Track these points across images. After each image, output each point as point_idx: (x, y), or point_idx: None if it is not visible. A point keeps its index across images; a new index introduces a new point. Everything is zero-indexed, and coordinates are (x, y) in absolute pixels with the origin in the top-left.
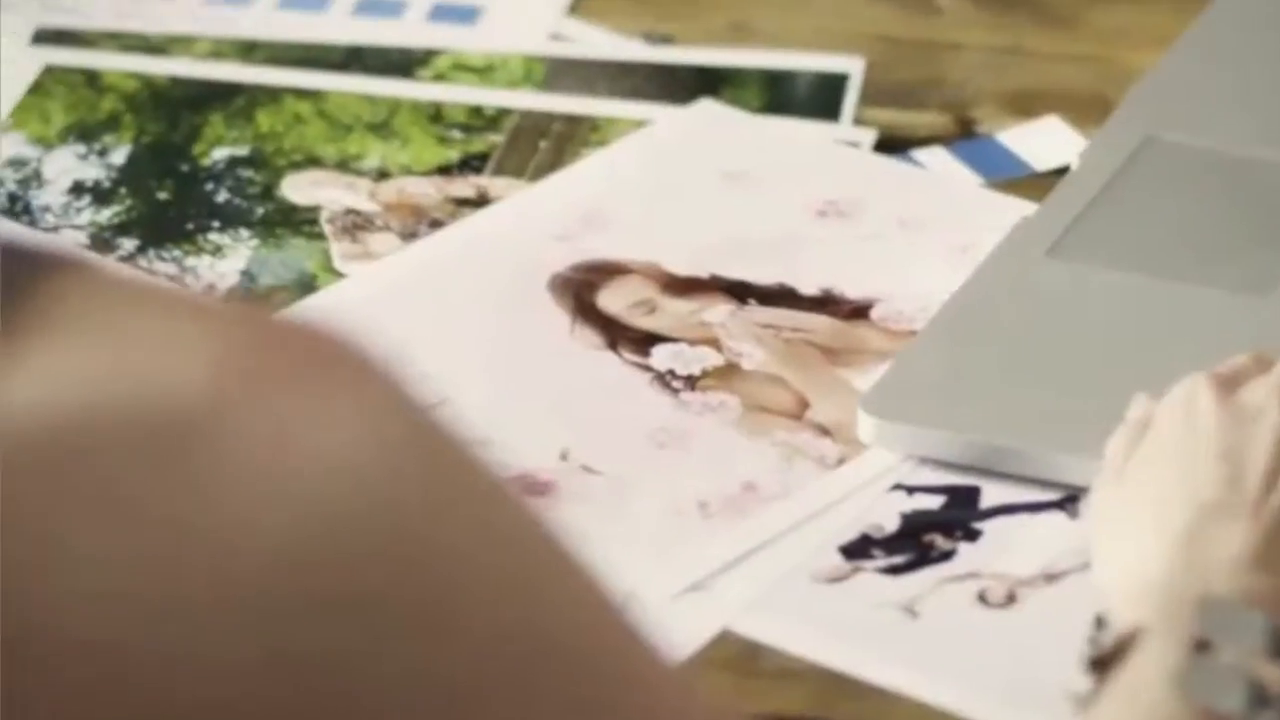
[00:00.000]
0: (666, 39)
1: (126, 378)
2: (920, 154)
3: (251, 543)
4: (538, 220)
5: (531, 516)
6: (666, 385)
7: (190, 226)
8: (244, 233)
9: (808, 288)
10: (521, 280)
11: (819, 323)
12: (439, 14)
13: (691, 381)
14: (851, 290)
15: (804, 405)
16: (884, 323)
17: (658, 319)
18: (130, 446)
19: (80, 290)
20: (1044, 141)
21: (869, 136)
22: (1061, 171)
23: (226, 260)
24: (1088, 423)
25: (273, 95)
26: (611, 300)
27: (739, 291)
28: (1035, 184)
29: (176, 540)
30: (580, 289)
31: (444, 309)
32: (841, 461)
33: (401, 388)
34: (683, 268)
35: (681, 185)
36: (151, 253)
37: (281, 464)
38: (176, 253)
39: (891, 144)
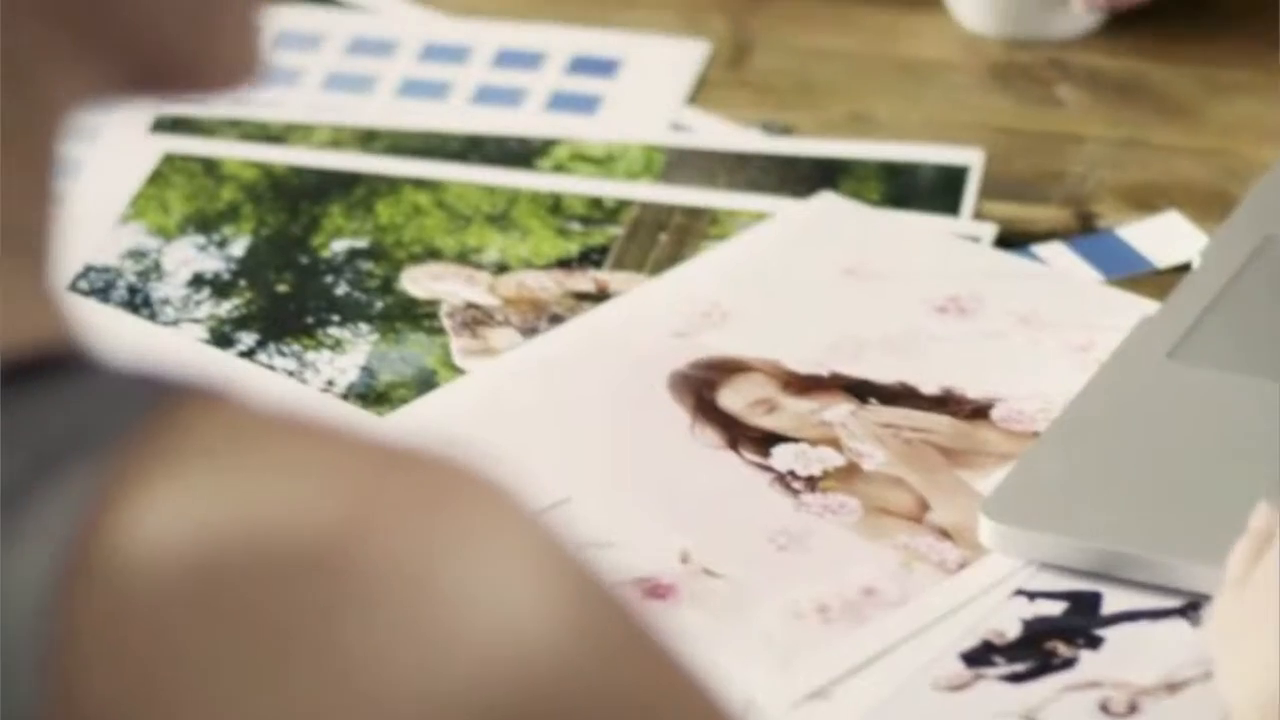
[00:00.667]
0: (786, 129)
1: (265, 509)
2: (1040, 249)
3: (408, 707)
4: (657, 316)
5: (685, 674)
6: (787, 486)
7: (310, 320)
8: (363, 327)
9: (928, 387)
10: (641, 377)
11: (939, 423)
12: (558, 103)
13: (812, 482)
14: (972, 389)
15: (924, 507)
16: (1004, 423)
17: (778, 418)
18: (271, 581)
19: (216, 419)
20: (1165, 238)
21: (989, 231)
22: (1182, 269)
23: (346, 355)
24: (1210, 529)
25: (392, 185)
26: (732, 399)
27: (859, 390)
28: (1156, 281)
29: (325, 693)
30: (700, 387)
31: (563, 406)
32: (962, 566)
33: (548, 531)
34: (803, 365)
35: (801, 280)
36: (271, 347)
37: (434, 618)
38: (296, 347)
39: (1011, 238)
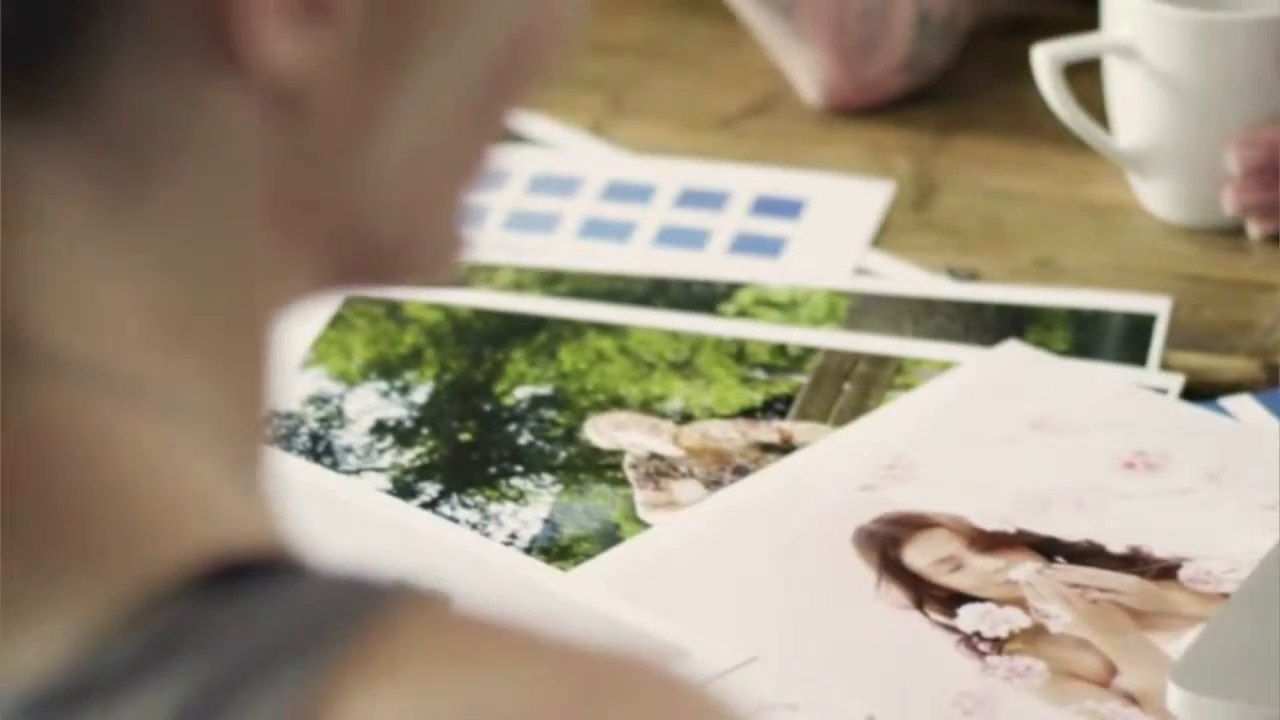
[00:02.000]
0: (972, 275)
1: (482, 709)
2: (1228, 402)
3: None
4: (842, 469)
5: None
6: (973, 648)
7: (493, 470)
8: (546, 478)
9: (1115, 545)
10: (826, 532)
11: (1127, 583)
12: (742, 244)
13: (998, 644)
14: (1160, 549)
15: (1112, 671)
16: (1193, 584)
17: (964, 577)
18: None
19: (427, 625)
20: None
21: (1176, 382)
22: None
23: (529, 508)
24: None
25: (576, 330)
26: (917, 556)
27: (1046, 548)
28: None
29: None
30: (886, 544)
31: (747, 561)
32: None
33: None
34: (989, 522)
35: (988, 433)
36: (454, 498)
37: None
38: (479, 498)
39: (1198, 390)
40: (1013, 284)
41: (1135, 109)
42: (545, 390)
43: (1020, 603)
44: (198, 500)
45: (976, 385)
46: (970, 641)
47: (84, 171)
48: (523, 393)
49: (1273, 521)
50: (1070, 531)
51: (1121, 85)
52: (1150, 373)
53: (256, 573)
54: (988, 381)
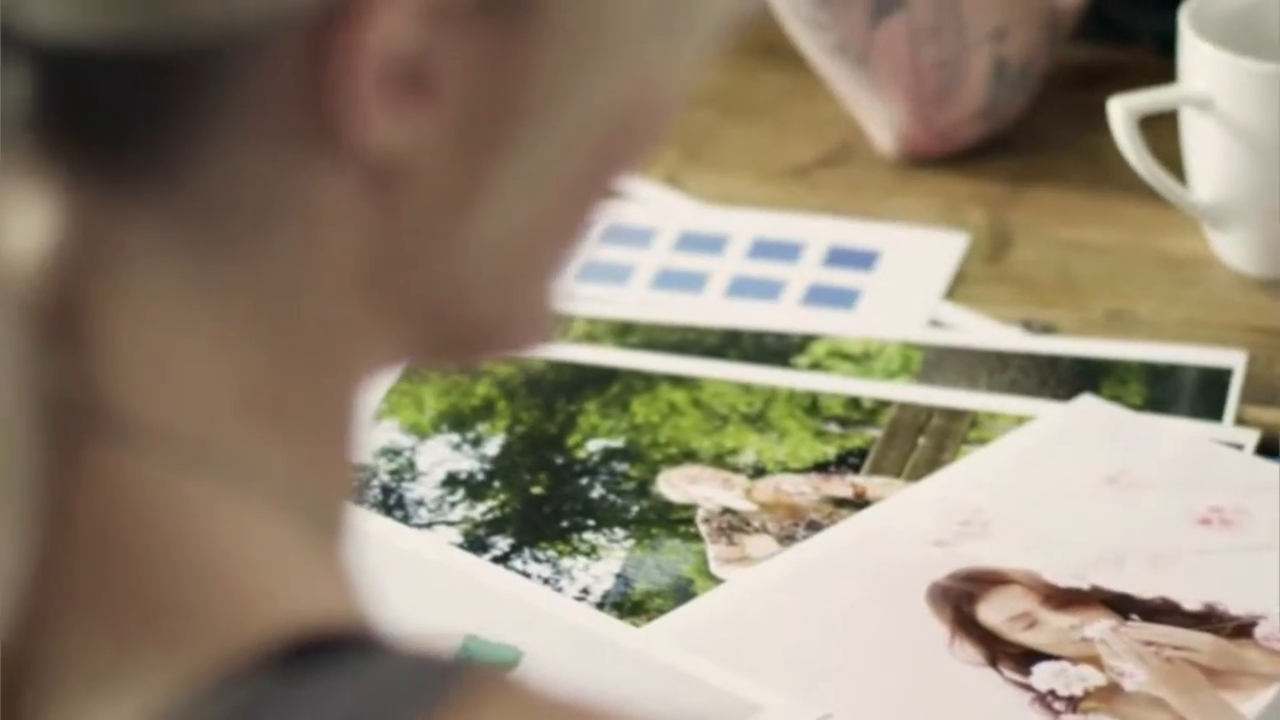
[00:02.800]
0: (1046, 328)
1: None
2: None
3: None
4: (916, 524)
5: None
6: (1048, 706)
7: (565, 524)
8: (619, 532)
9: (1190, 603)
10: (900, 588)
11: (1202, 641)
12: (815, 296)
13: (1073, 703)
14: (1235, 606)
15: None
16: (1268, 642)
17: (1038, 634)
18: None
19: (505, 705)
20: None
21: (1252, 438)
22: None
23: (601, 562)
24: None
25: (648, 382)
26: (991, 613)
27: (1120, 605)
28: None
29: None
30: (960, 600)
31: (820, 617)
32: None
33: None
34: (1063, 578)
35: (1062, 488)
36: (526, 552)
37: None
38: (551, 552)
39: (1274, 445)
40: (1087, 337)
41: (1212, 161)
42: (618, 443)
43: (1095, 660)
44: (276, 576)
45: (1051, 440)
46: (1045, 700)
47: (177, 241)
48: (595, 445)
49: None
50: (1145, 588)
51: (1198, 137)
52: (1225, 427)
53: (333, 650)
54: (1062, 436)
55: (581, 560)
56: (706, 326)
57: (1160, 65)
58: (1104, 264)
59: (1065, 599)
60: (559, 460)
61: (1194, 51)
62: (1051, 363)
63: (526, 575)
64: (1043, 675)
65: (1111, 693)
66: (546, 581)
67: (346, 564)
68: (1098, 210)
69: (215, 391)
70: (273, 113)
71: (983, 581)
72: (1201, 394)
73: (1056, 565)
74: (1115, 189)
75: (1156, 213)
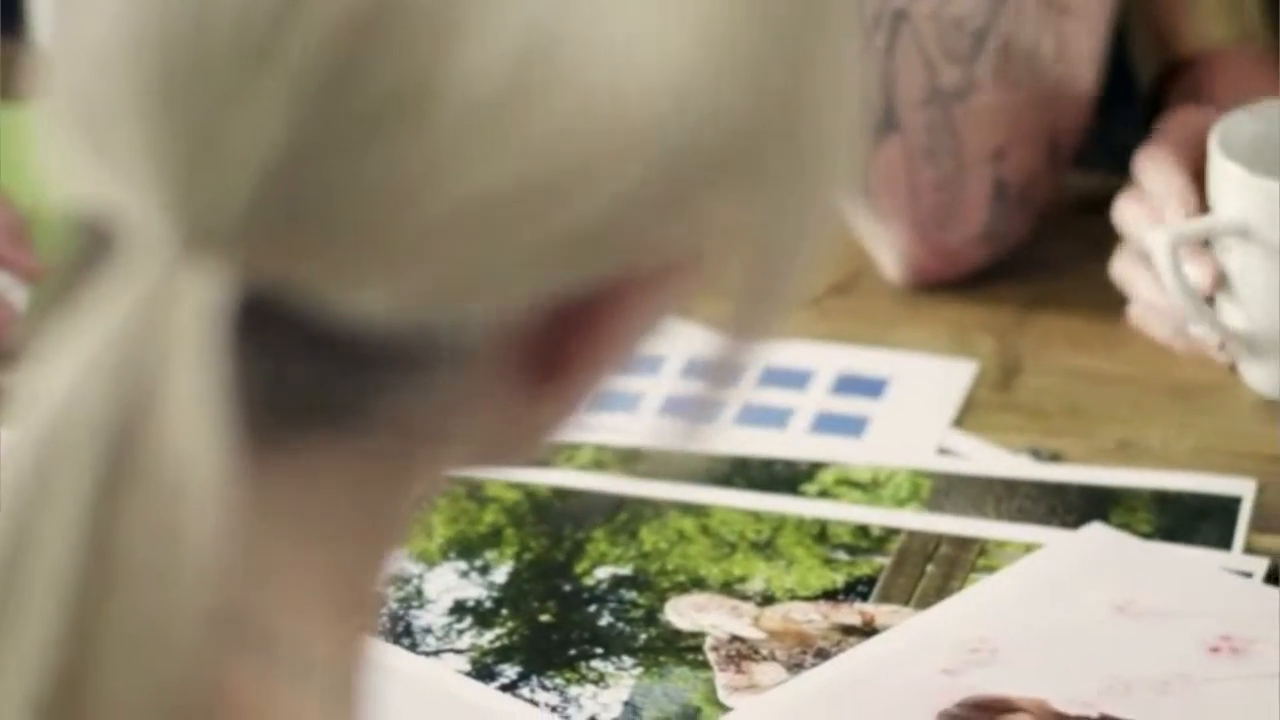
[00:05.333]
0: (1055, 456)
1: None
2: None
3: None
4: (925, 652)
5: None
6: None
7: (573, 652)
8: (627, 660)
9: None
10: (909, 716)
11: None
12: (824, 424)
13: None
14: None
15: None
16: None
17: None
18: None
19: None
20: None
21: (1262, 566)
22: None
23: (609, 690)
24: None
25: (656, 510)
26: None
27: None
28: None
29: None
30: None
31: None
32: None
33: None
34: (1072, 707)
35: (1070, 617)
36: (534, 680)
37: None
38: (559, 680)
39: None
40: (1096, 465)
41: (1248, 287)
42: (626, 571)
43: None
44: None
45: (1059, 568)
46: None
47: (346, 478)
48: (603, 573)
49: None
50: (1154, 717)
51: (1235, 263)
52: (1235, 555)
53: None
54: (1071, 564)
55: (590, 688)
56: (715, 454)
57: None
58: (1113, 392)
59: None
60: (567, 588)
61: (1226, 177)
62: (1060, 491)
63: (535, 703)
64: None
65: None
66: (555, 709)
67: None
68: (1106, 337)
69: (309, 595)
70: (496, 374)
71: (991, 710)
72: (1210, 522)
73: (1065, 693)
74: (1124, 316)
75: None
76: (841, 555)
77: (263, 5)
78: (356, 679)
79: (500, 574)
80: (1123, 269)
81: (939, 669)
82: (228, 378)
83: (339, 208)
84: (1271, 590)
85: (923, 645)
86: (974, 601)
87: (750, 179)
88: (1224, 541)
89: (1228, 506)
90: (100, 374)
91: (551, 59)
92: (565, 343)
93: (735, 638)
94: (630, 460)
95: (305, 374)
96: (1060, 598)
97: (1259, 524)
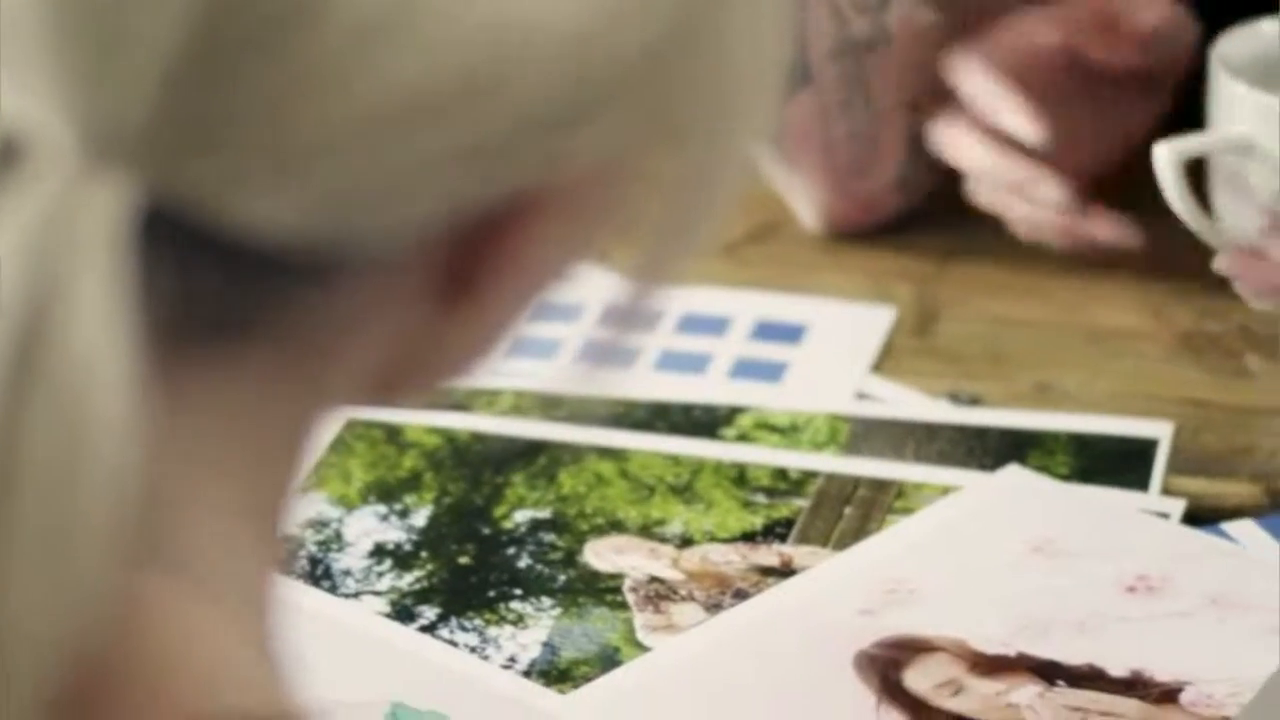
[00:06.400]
0: (973, 400)
1: None
2: (1230, 527)
3: None
4: (843, 593)
5: None
6: None
7: (492, 594)
8: (546, 601)
9: (1116, 669)
10: (826, 656)
11: (1128, 706)
12: (743, 370)
13: None
14: (1161, 672)
15: None
16: (1194, 707)
17: (964, 700)
18: None
19: None
20: None
21: (1178, 507)
22: None
23: (528, 631)
24: None
25: (575, 454)
26: (918, 680)
27: (1047, 672)
28: None
29: None
30: (886, 667)
31: (746, 685)
32: None
33: None
34: (990, 645)
35: (988, 557)
36: (453, 621)
37: None
38: (478, 621)
39: (1200, 514)
40: (1014, 409)
41: (1250, 202)
42: (545, 514)
43: None
44: (227, 671)
45: (977, 509)
46: None
47: (255, 390)
48: (522, 516)
49: (1275, 646)
50: (1071, 655)
51: (1235, 180)
52: (1152, 497)
53: None
54: (989, 506)
55: (509, 629)
56: (635, 400)
57: None
58: (1030, 337)
59: (992, 665)
60: (486, 531)
61: (1228, 93)
62: (978, 434)
63: (454, 644)
64: None
65: None
66: (473, 650)
67: (276, 645)
68: (1024, 284)
69: (222, 513)
70: (401, 286)
71: (909, 649)
72: (1128, 464)
73: (983, 633)
74: (1041, 263)
75: (1084, 285)
76: (760, 498)
77: None
78: (269, 601)
79: (420, 518)
80: (952, 137)
81: (857, 609)
82: (132, 288)
83: (238, 115)
84: (1187, 530)
85: (840, 586)
86: (891, 543)
87: (658, 110)
88: (1141, 483)
89: (1145, 449)
90: (3, 283)
91: None
92: (471, 262)
93: (654, 579)
94: (549, 405)
95: (210, 286)
96: (978, 539)
97: (1176, 466)
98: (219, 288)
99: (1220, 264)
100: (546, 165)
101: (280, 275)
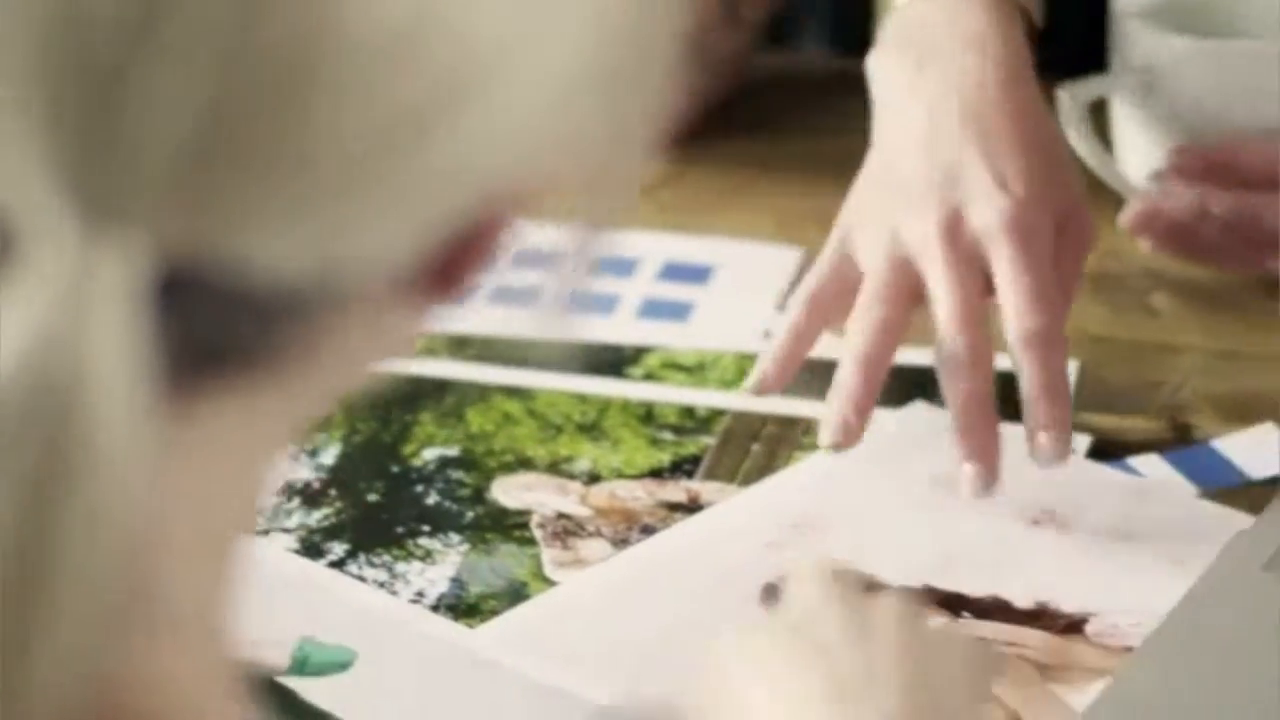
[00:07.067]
0: None
1: None
2: (1135, 461)
3: None
4: (750, 528)
5: None
6: None
7: (400, 530)
8: (454, 537)
9: (1022, 601)
10: (732, 589)
11: (1033, 638)
12: (650, 310)
13: None
14: (1066, 604)
15: None
16: (1099, 638)
17: None
18: None
19: None
20: (1259, 449)
21: (1084, 442)
22: (1277, 480)
23: (436, 566)
24: None
25: (483, 393)
26: None
27: (952, 604)
28: (1248, 494)
29: None
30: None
31: (654, 619)
32: None
33: None
34: (895, 579)
35: (894, 492)
36: (361, 557)
37: None
38: (386, 557)
39: (1106, 449)
40: (921, 345)
41: (1148, 142)
42: (453, 452)
43: None
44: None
45: (883, 445)
46: None
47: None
48: (431, 454)
49: (1177, 575)
50: (976, 587)
51: (1138, 121)
52: None
53: None
54: (894, 441)
55: (417, 564)
56: (542, 339)
57: None
58: None
59: None
60: (395, 469)
61: (1129, 34)
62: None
63: (362, 579)
64: None
65: None
66: (382, 585)
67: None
68: None
69: (204, 559)
70: (390, 299)
71: None
72: None
73: (888, 566)
74: None
75: None
76: (667, 435)
77: None
78: (229, 624)
79: (329, 456)
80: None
81: (764, 543)
82: (152, 354)
83: (247, 172)
84: (1092, 465)
85: (747, 521)
86: (798, 477)
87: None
88: None
89: None
90: (26, 378)
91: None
92: (458, 261)
93: (561, 515)
94: (458, 346)
95: (209, 327)
96: (883, 473)
97: (1082, 403)
98: (218, 328)
99: (1122, 221)
100: (528, 179)
101: (288, 312)
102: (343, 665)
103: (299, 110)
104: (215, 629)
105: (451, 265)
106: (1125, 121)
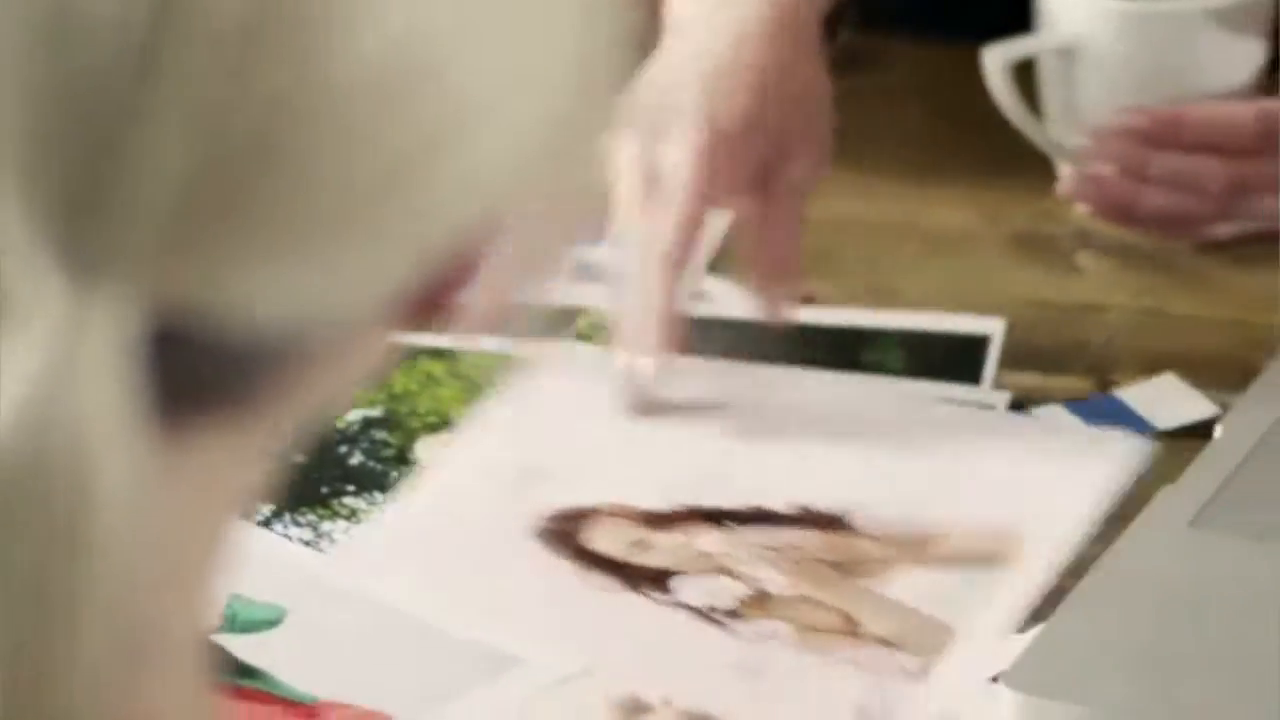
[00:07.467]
0: (807, 299)
1: None
2: (1039, 410)
3: None
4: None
5: None
6: (713, 620)
7: (325, 490)
8: (379, 496)
9: (781, 507)
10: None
11: (810, 539)
12: (581, 272)
13: (734, 614)
14: (821, 503)
15: (851, 621)
16: (868, 529)
17: (658, 555)
18: None
19: None
20: (1164, 399)
21: (1003, 399)
22: (1191, 432)
23: (361, 525)
24: (1237, 701)
25: (407, 354)
26: (608, 544)
27: (715, 517)
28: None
29: None
30: (568, 540)
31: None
32: (925, 669)
33: None
34: (650, 503)
35: (604, 425)
36: (287, 517)
37: None
38: (311, 517)
39: (1024, 406)
40: (849, 307)
41: (1077, 105)
42: (376, 413)
43: (728, 573)
44: None
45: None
46: (706, 615)
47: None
48: (355, 415)
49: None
50: (731, 501)
51: (1064, 83)
52: (983, 390)
53: None
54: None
55: (342, 523)
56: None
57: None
58: (865, 237)
59: (662, 520)
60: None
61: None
62: (812, 332)
63: (288, 538)
64: (692, 593)
65: (764, 599)
66: (307, 544)
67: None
68: (858, 185)
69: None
70: (378, 331)
71: (576, 518)
72: (961, 360)
73: (636, 494)
74: (873, 165)
75: (915, 188)
76: None
77: (138, 15)
78: (204, 652)
79: None
80: None
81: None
82: (143, 403)
83: (234, 222)
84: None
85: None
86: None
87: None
88: (974, 378)
89: (977, 345)
90: (21, 435)
91: (425, 52)
92: (444, 288)
93: None
94: None
95: (203, 375)
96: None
97: (1009, 361)
98: (205, 373)
99: (1061, 189)
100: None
101: (264, 355)
102: (271, 622)
103: (287, 165)
104: (198, 655)
105: (430, 295)
106: (1051, 84)
